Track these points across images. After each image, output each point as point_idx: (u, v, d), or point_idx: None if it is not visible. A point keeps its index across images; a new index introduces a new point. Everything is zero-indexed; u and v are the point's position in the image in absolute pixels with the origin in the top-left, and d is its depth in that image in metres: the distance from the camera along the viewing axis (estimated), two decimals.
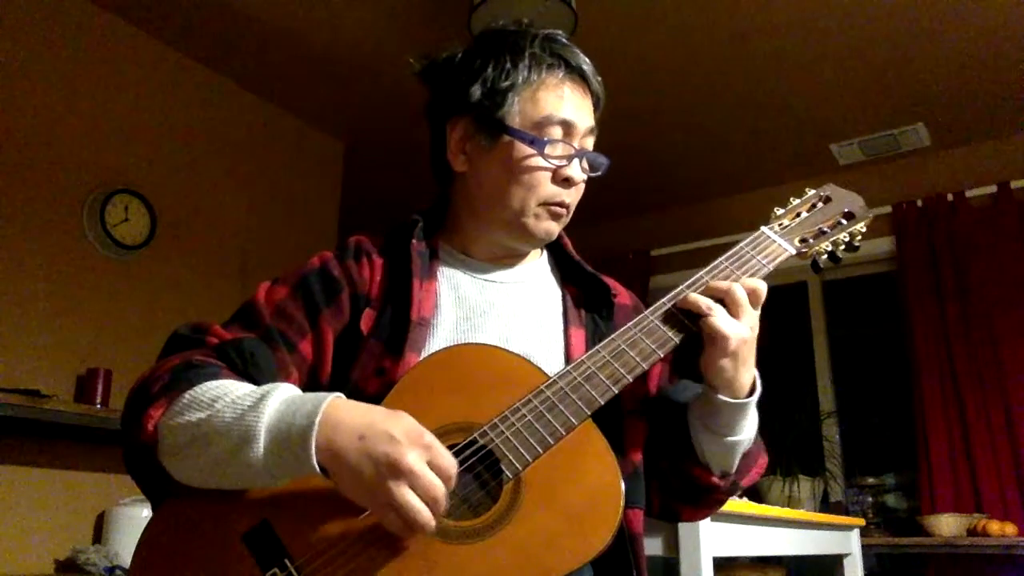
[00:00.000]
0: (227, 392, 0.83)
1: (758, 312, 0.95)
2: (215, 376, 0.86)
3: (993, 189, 3.81)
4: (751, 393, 0.96)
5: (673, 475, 1.03)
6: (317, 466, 0.77)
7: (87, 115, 3.01)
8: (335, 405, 0.79)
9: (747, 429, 0.98)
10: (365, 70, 3.47)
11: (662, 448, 1.04)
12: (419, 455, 0.76)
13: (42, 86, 2.89)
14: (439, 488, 0.76)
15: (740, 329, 0.91)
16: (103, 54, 3.09)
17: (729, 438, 0.96)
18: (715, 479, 1.00)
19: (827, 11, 3.04)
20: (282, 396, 0.81)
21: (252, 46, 3.34)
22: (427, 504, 0.76)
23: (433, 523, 0.76)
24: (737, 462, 1.01)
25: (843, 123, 3.82)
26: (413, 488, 0.75)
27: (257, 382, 0.88)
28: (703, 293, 0.94)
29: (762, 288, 0.95)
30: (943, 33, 3.15)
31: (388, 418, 0.79)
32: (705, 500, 1.05)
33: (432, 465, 0.76)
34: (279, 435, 0.78)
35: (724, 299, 0.93)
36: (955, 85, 3.49)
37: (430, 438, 0.78)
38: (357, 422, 0.78)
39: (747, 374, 0.95)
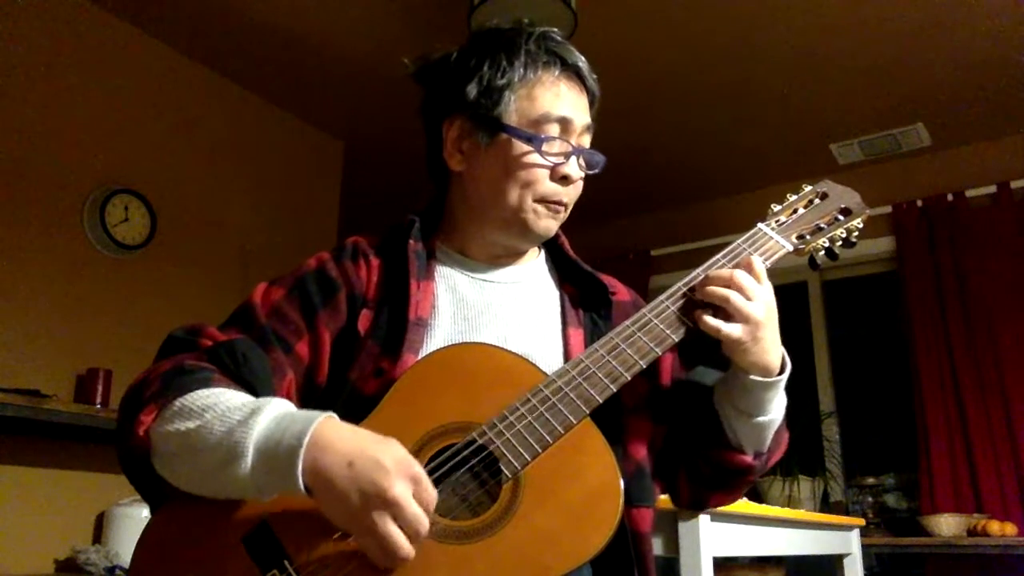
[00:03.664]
0: (218, 402, 0.82)
1: (768, 286, 0.95)
2: (207, 382, 0.85)
3: (993, 189, 3.81)
4: (781, 371, 0.97)
5: (704, 462, 1.03)
6: (303, 487, 0.77)
7: (87, 115, 3.01)
8: (325, 426, 0.78)
9: (777, 408, 0.99)
10: (365, 70, 3.47)
11: (689, 436, 1.04)
12: (406, 486, 0.75)
13: (42, 86, 2.89)
14: (423, 522, 0.76)
15: (755, 310, 0.92)
16: (103, 54, 3.09)
17: (761, 417, 0.97)
18: (749, 460, 1.00)
19: (827, 11, 3.04)
20: (272, 413, 0.80)
21: (252, 46, 3.34)
22: (409, 537, 0.75)
23: (412, 556, 0.76)
24: (770, 440, 1.02)
25: (843, 123, 3.82)
26: (396, 520, 0.75)
27: (251, 385, 0.88)
28: (708, 285, 0.94)
29: (757, 262, 0.95)
30: (943, 33, 3.15)
31: (378, 445, 0.78)
32: (737, 483, 1.05)
33: (417, 498, 0.76)
34: (267, 453, 0.77)
35: (730, 286, 0.93)
36: (955, 85, 3.49)
37: (418, 470, 0.77)
38: (347, 447, 0.77)
39: (775, 352, 0.95)
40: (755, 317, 0.92)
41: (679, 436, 1.06)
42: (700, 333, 0.94)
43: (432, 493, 0.77)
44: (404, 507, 0.74)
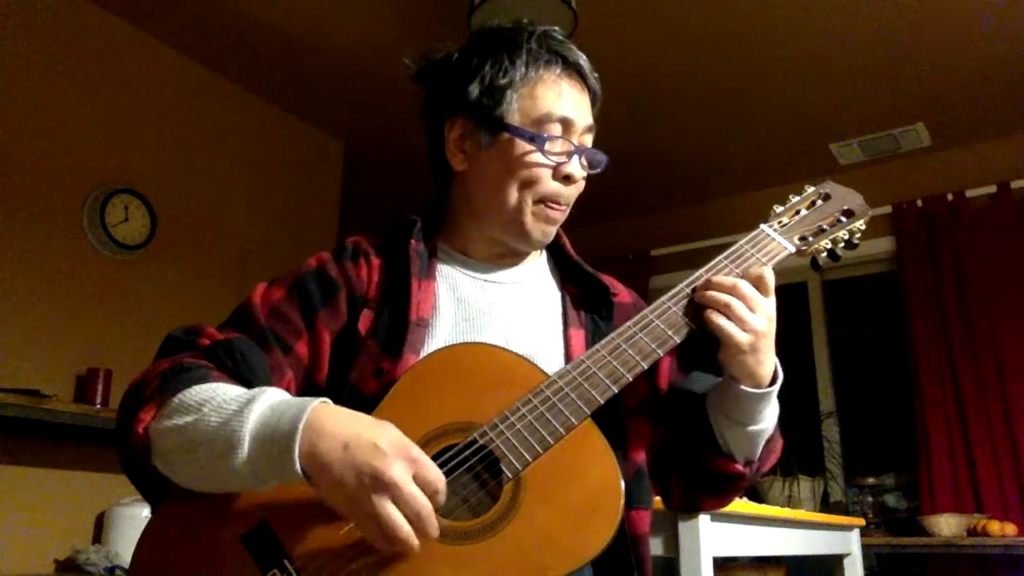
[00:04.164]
0: (215, 396, 0.82)
1: (772, 299, 0.94)
2: (205, 379, 0.85)
3: (993, 189, 3.81)
4: (772, 381, 0.95)
5: (695, 467, 1.02)
6: (300, 472, 0.76)
7: (87, 115, 3.01)
8: (320, 411, 0.78)
9: (769, 417, 0.97)
10: (365, 70, 3.47)
11: (681, 441, 1.03)
12: (404, 468, 0.74)
13: (42, 86, 2.89)
14: (423, 503, 0.74)
15: (756, 322, 0.91)
16: (103, 54, 3.09)
17: (752, 427, 0.96)
18: (740, 467, 0.99)
19: (827, 11, 3.04)
20: (268, 401, 0.80)
21: (252, 46, 3.34)
22: (409, 519, 0.74)
23: (415, 540, 0.75)
24: (761, 449, 1.00)
25: (843, 123, 3.82)
26: (396, 502, 0.74)
27: (249, 382, 0.88)
28: (708, 289, 0.93)
29: (768, 275, 0.94)
30: (943, 33, 3.15)
31: (374, 428, 0.77)
32: (728, 488, 1.04)
33: (418, 479, 0.75)
34: (263, 440, 0.77)
35: (732, 294, 0.92)
36: (955, 85, 3.49)
37: (417, 452, 0.76)
38: (342, 430, 0.76)
39: (768, 363, 0.94)
40: (755, 328, 0.91)
41: (674, 440, 1.05)
42: (701, 335, 0.93)
43: (435, 472, 0.76)
44: (403, 488, 0.74)
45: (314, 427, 0.76)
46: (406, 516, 0.74)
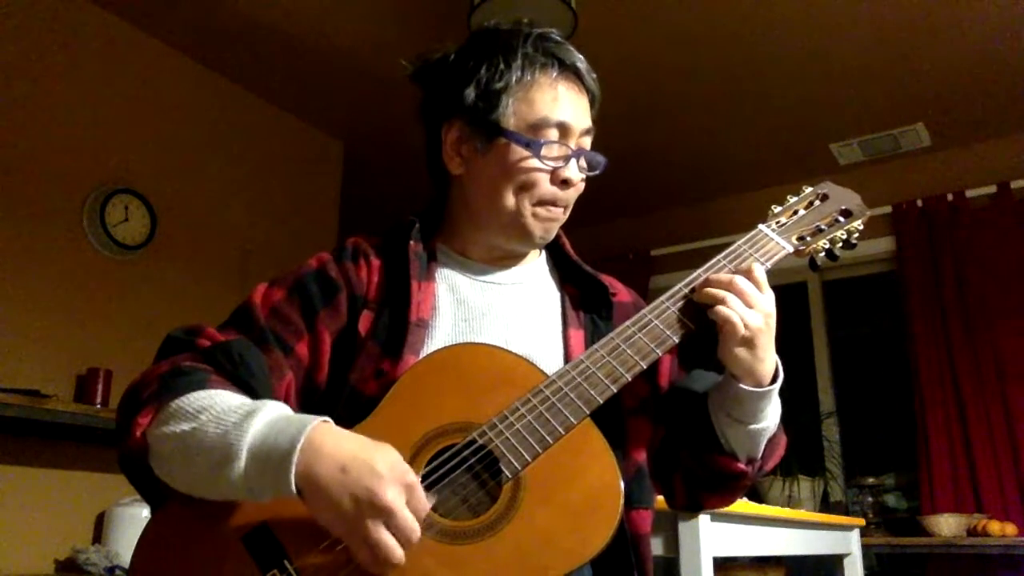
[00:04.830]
0: (214, 404, 0.82)
1: (770, 296, 0.94)
2: (203, 384, 0.85)
3: (993, 189, 3.81)
4: (774, 380, 0.95)
5: (697, 466, 1.01)
6: (296, 491, 0.76)
7: (87, 115, 3.01)
8: (319, 431, 0.78)
9: (771, 415, 0.97)
10: (365, 70, 3.47)
11: (683, 440, 1.03)
12: (399, 493, 0.75)
13: (42, 86, 2.89)
14: (415, 529, 0.75)
15: (754, 317, 0.91)
16: (103, 54, 3.09)
17: (754, 426, 0.95)
18: (742, 466, 0.98)
19: (827, 11, 3.04)
20: (267, 416, 0.80)
21: (252, 46, 3.34)
22: (402, 545, 0.75)
23: (404, 563, 0.76)
24: (763, 448, 1.00)
25: (843, 123, 3.82)
26: (389, 527, 0.74)
27: (248, 385, 0.88)
28: (706, 287, 0.93)
29: (757, 269, 0.94)
30: (943, 33, 3.15)
31: (372, 450, 0.77)
32: (732, 487, 1.03)
33: (410, 505, 0.76)
34: (260, 456, 0.77)
35: (728, 290, 0.92)
36: (955, 85, 3.49)
37: (412, 477, 0.77)
38: (340, 452, 0.76)
39: (768, 361, 0.93)
40: (752, 324, 0.91)
41: (675, 439, 1.05)
42: (699, 335, 0.93)
43: (424, 503, 0.77)
44: (397, 514, 0.74)
45: (312, 447, 0.76)
46: (399, 542, 0.75)
